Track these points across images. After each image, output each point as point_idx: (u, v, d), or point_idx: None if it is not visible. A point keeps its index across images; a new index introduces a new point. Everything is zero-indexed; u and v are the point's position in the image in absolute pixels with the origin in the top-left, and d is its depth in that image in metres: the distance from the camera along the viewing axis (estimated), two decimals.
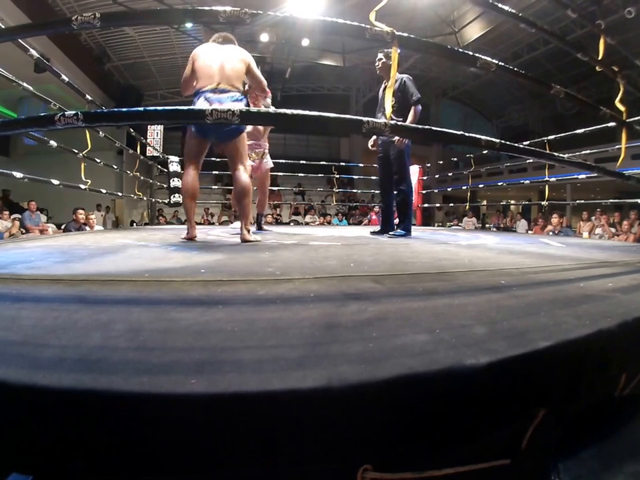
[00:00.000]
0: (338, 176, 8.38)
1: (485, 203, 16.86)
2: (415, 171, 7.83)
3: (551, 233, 7.76)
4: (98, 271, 1.51)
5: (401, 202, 4.17)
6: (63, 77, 3.74)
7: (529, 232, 9.98)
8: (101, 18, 1.49)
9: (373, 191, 10.09)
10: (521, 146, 2.06)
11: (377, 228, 4.58)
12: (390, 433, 0.66)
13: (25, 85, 3.28)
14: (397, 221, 4.26)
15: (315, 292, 1.20)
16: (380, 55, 4.08)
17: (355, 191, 12.60)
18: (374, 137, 4.42)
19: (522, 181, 10.24)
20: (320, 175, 8.88)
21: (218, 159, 9.02)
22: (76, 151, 4.14)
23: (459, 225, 11.31)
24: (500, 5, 2.12)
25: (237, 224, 3.72)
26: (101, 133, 4.69)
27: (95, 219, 11.11)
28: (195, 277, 1.39)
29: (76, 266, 1.70)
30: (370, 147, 4.51)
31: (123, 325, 0.84)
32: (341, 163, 9.36)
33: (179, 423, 0.58)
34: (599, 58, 2.70)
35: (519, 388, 0.74)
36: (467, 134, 1.65)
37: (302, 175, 8.81)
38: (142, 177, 6.51)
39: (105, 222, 11.79)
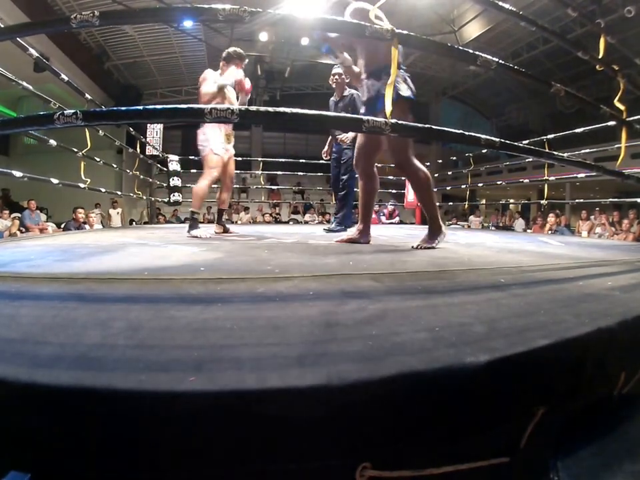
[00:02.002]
0: None
1: (484, 201, 16.85)
2: None
3: (549, 232, 7.76)
4: (97, 270, 1.51)
5: (344, 195, 4.70)
6: (63, 76, 3.73)
7: (528, 230, 9.98)
8: (100, 16, 1.49)
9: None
10: (521, 145, 2.06)
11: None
12: (389, 431, 0.66)
13: (24, 84, 3.28)
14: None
15: (314, 290, 1.20)
16: (338, 70, 4.35)
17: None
18: (326, 148, 4.90)
19: (521, 180, 10.22)
20: (319, 173, 8.85)
21: None
22: (75, 150, 4.13)
23: (458, 224, 11.31)
24: (500, 3, 2.13)
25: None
26: (100, 132, 4.69)
27: (112, 217, 10.90)
28: (194, 275, 1.39)
29: (75, 264, 1.70)
30: (324, 157, 5.00)
31: (122, 323, 0.84)
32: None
33: (178, 421, 0.58)
34: (599, 57, 2.70)
35: (519, 386, 0.74)
36: (466, 133, 1.65)
37: (301, 173, 8.80)
38: (141, 176, 6.51)
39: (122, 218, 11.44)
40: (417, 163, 2.53)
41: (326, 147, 4.96)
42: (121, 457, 0.59)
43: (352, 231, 2.87)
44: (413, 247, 2.48)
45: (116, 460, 0.59)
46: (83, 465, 0.59)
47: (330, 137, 4.91)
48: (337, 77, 4.44)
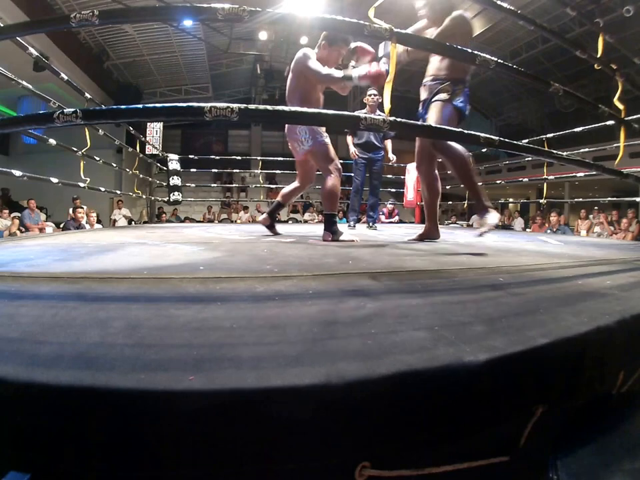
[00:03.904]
0: None
1: None
2: (413, 168, 7.83)
3: (548, 231, 7.77)
4: (97, 269, 1.51)
5: (377, 200, 5.57)
6: (62, 75, 3.73)
7: (527, 230, 9.98)
8: (100, 15, 1.49)
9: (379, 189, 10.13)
10: (520, 143, 2.06)
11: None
12: (388, 430, 0.66)
13: (24, 83, 3.27)
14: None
15: (313, 289, 1.20)
16: (374, 91, 4.92)
17: None
18: (352, 150, 5.20)
19: (520, 179, 10.21)
20: (318, 172, 8.86)
21: (217, 157, 9.04)
22: (75, 149, 4.13)
23: (457, 223, 11.30)
24: (499, 2, 2.13)
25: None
26: (100, 131, 4.69)
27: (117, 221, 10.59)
28: (193, 274, 1.39)
29: (75, 264, 1.70)
30: (352, 157, 5.27)
31: (121, 322, 0.84)
32: (340, 161, 9.36)
33: (177, 420, 0.58)
34: (598, 56, 2.70)
35: (518, 385, 0.74)
36: (465, 131, 1.65)
37: None
38: (141, 175, 6.50)
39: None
40: (454, 144, 2.56)
41: (352, 149, 5.23)
42: (120, 456, 0.59)
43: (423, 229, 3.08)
44: (477, 235, 2.67)
45: (115, 459, 0.59)
46: (82, 465, 0.59)
47: (351, 139, 5.26)
48: (373, 96, 4.89)
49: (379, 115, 4.89)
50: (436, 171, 2.91)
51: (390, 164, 5.87)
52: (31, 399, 0.59)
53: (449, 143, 2.53)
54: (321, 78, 2.84)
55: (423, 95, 2.77)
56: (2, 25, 2.07)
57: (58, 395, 0.58)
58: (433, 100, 2.65)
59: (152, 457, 0.60)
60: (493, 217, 2.51)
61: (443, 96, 2.61)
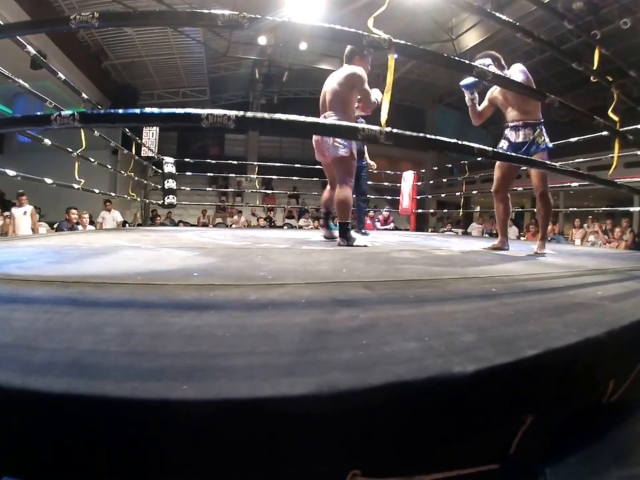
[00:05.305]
0: None
1: (478, 208, 16.90)
2: (409, 176, 7.86)
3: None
4: (90, 273, 1.50)
5: (364, 210, 5.84)
6: (60, 74, 3.71)
7: (521, 238, 10.02)
8: (99, 18, 1.49)
9: (368, 195, 10.14)
10: (513, 154, 2.07)
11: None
12: (378, 439, 0.66)
13: (20, 81, 3.25)
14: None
15: (306, 298, 1.20)
16: None
17: None
18: None
19: (515, 188, 10.25)
20: (315, 178, 8.87)
21: (213, 161, 9.03)
22: (70, 150, 4.12)
23: (452, 231, 11.34)
24: (497, 14, 2.15)
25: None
26: (96, 132, 4.68)
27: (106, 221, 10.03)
28: (187, 281, 1.39)
29: (68, 267, 1.69)
30: None
31: (115, 329, 0.84)
32: None
33: (170, 429, 0.59)
34: (594, 68, 2.74)
35: (507, 395, 0.75)
36: (460, 142, 1.65)
37: (297, 178, 8.81)
38: (136, 178, 6.49)
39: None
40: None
41: None
42: (113, 464, 0.59)
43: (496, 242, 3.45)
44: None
45: (108, 467, 0.59)
46: (75, 471, 0.59)
47: None
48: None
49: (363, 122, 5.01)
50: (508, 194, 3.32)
51: (376, 171, 5.97)
52: (24, 406, 0.59)
53: (548, 191, 3.01)
54: (369, 105, 3.31)
55: (518, 137, 3.04)
56: (2, 24, 2.07)
57: (52, 402, 0.58)
58: (535, 150, 2.93)
59: (144, 465, 0.60)
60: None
61: (543, 143, 2.93)
